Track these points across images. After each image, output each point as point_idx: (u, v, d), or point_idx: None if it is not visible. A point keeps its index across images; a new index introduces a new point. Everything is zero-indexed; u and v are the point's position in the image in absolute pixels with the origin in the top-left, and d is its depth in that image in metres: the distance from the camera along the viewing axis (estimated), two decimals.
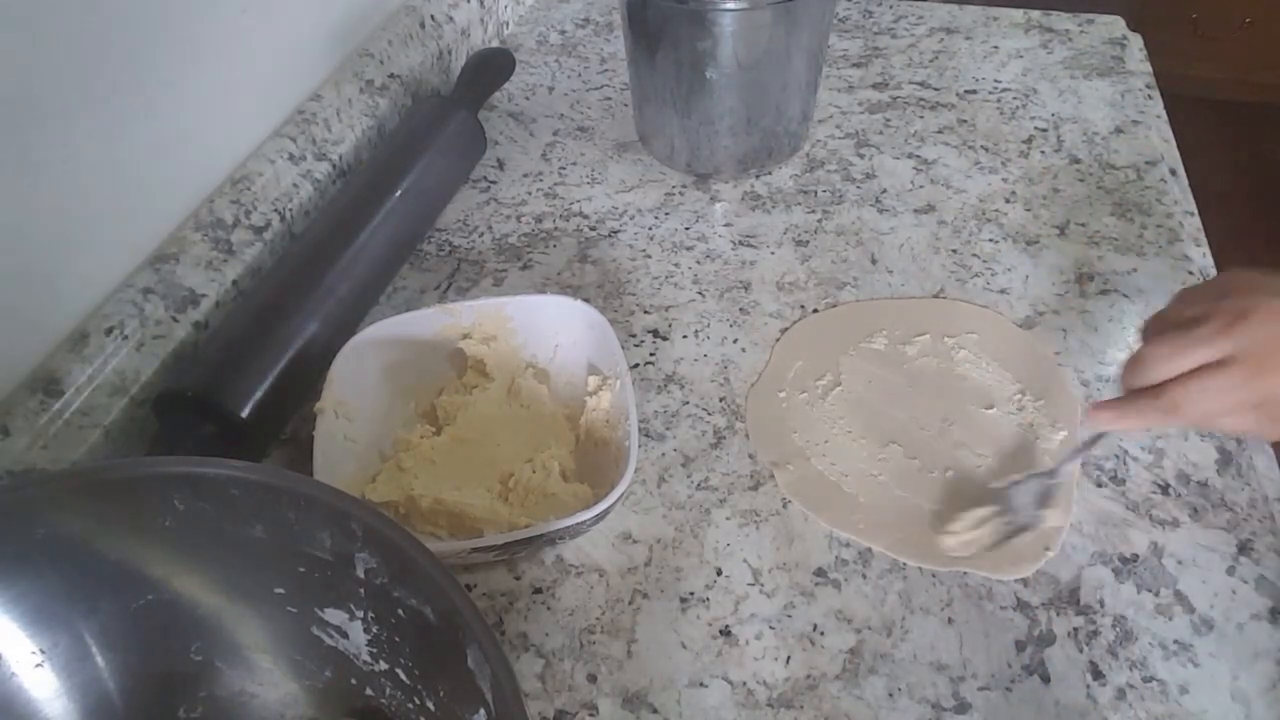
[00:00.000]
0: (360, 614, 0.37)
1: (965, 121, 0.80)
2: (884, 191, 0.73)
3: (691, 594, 0.49)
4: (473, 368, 0.56)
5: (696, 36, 0.64)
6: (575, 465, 0.53)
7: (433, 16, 0.83)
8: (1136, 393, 0.41)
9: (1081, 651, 0.45)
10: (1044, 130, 0.78)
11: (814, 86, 0.73)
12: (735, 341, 0.62)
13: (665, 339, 0.62)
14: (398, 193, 0.65)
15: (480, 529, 0.48)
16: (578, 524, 0.45)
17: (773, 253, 0.69)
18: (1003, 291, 0.64)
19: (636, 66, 0.71)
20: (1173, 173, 0.73)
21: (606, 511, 0.45)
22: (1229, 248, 0.78)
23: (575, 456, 0.54)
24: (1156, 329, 0.42)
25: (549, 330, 0.57)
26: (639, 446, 0.49)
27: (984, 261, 0.66)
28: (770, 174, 0.74)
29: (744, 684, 0.45)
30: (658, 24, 0.66)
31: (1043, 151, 0.76)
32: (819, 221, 0.71)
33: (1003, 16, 0.93)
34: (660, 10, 0.65)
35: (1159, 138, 0.76)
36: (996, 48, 0.89)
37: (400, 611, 0.35)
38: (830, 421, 0.56)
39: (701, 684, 0.45)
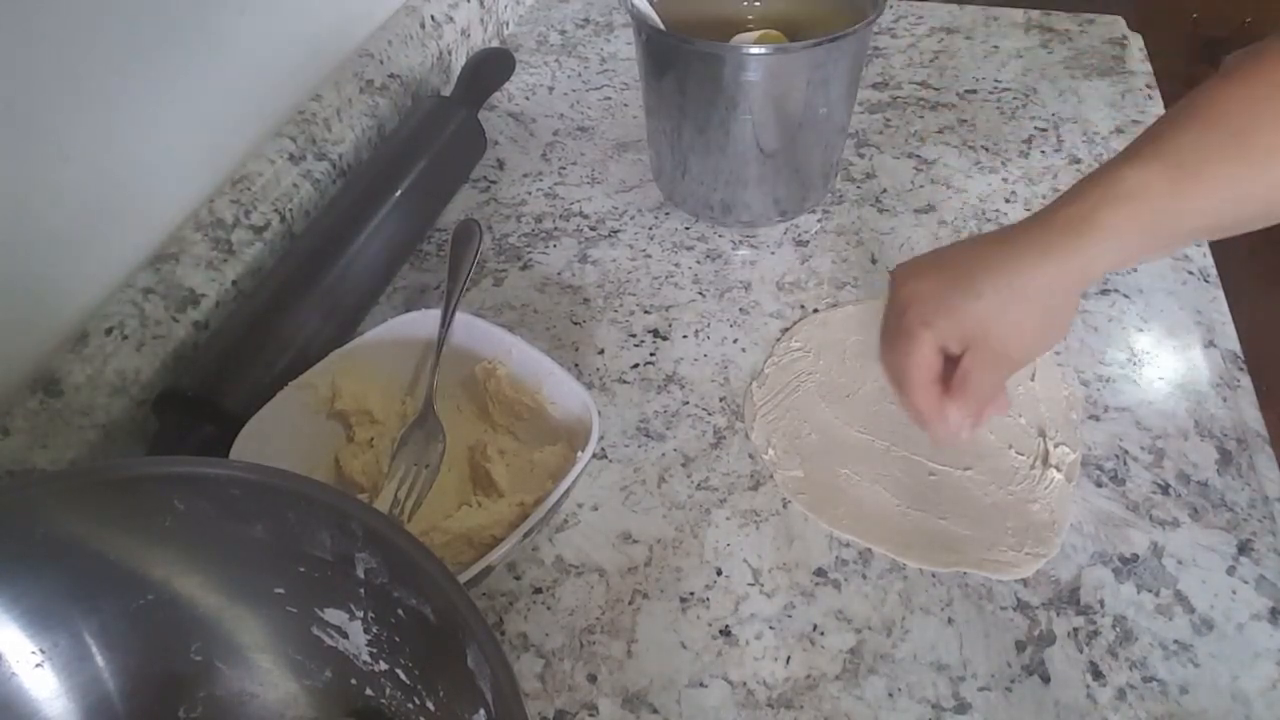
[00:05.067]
0: (360, 614, 0.37)
1: (965, 121, 0.80)
2: (884, 191, 0.73)
3: (691, 594, 0.49)
4: (357, 424, 0.54)
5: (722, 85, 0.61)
6: (525, 436, 0.54)
7: (433, 16, 0.83)
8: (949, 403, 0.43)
9: (1081, 651, 0.45)
10: (1044, 130, 0.78)
11: (845, 133, 0.70)
12: (735, 341, 0.62)
13: (665, 339, 0.62)
14: (398, 193, 0.65)
15: (493, 533, 0.48)
16: (584, 466, 0.46)
17: (773, 253, 0.69)
18: None
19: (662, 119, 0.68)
20: None
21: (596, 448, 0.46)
22: (1229, 247, 0.78)
23: (517, 431, 0.55)
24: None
25: (413, 350, 0.56)
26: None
27: None
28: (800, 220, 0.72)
29: (744, 684, 0.45)
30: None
31: (1043, 151, 0.76)
32: (819, 221, 0.71)
33: (1003, 16, 0.93)
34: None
35: None
36: (996, 48, 0.89)
37: (400, 611, 0.35)
38: (830, 421, 0.56)
39: (701, 684, 0.45)
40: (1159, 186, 0.37)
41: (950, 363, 0.42)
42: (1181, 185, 0.37)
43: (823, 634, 0.47)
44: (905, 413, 0.44)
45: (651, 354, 0.61)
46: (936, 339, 0.41)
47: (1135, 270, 0.65)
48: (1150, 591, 0.47)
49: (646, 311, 0.64)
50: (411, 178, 0.66)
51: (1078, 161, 0.74)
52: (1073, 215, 0.38)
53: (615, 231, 0.71)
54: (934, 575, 0.49)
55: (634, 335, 0.63)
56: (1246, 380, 0.57)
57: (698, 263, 0.68)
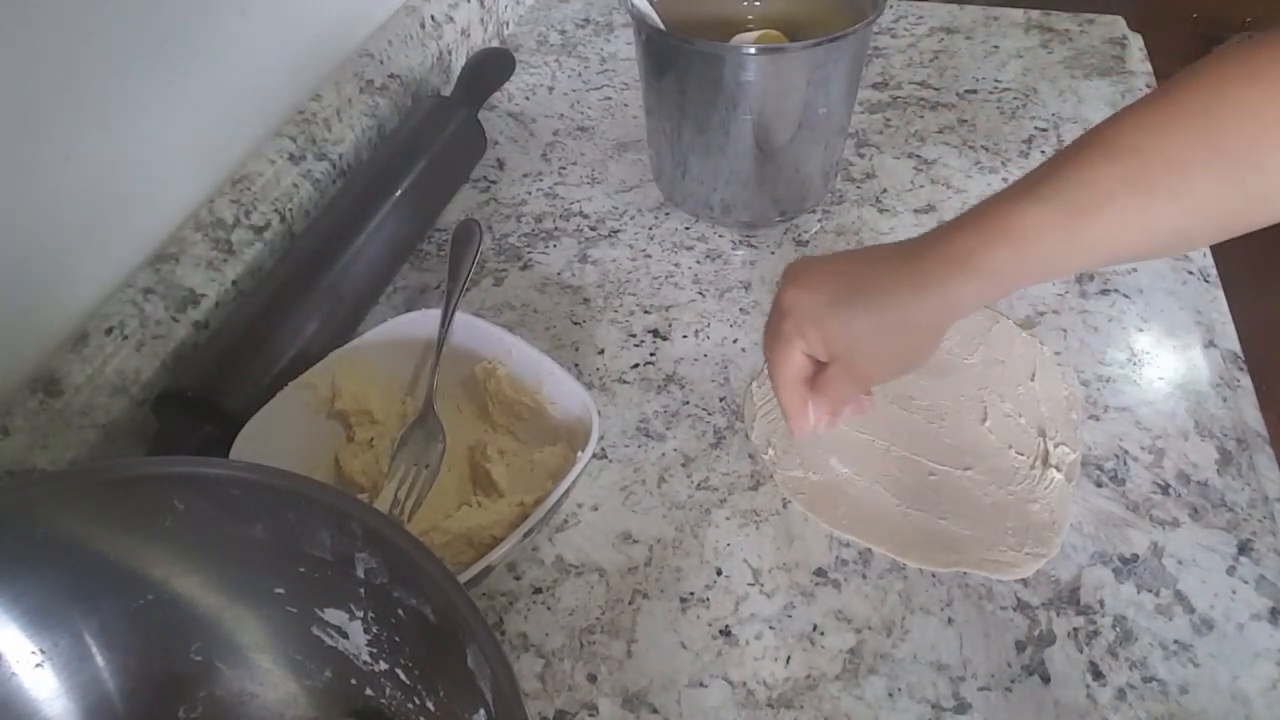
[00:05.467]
0: (360, 614, 0.37)
1: (965, 121, 0.80)
2: (884, 191, 0.73)
3: (691, 594, 0.49)
4: (357, 424, 0.54)
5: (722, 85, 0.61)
6: (525, 436, 0.54)
7: (433, 16, 0.83)
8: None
9: (1081, 651, 0.45)
10: (1044, 130, 0.78)
11: (844, 133, 0.70)
12: (735, 341, 0.62)
13: (665, 339, 0.62)
14: (398, 193, 0.65)
15: (493, 533, 0.48)
16: (584, 466, 0.46)
17: (773, 252, 0.69)
18: None
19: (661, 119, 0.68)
20: None
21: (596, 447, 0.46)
22: (1229, 248, 0.77)
23: (517, 431, 0.55)
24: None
25: (413, 351, 0.56)
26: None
27: None
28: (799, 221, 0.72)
29: (744, 684, 0.45)
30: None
31: (1043, 151, 0.76)
32: (819, 221, 0.71)
33: (1003, 16, 0.93)
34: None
35: None
36: (996, 48, 0.89)
37: (400, 611, 0.35)
38: None
39: (701, 684, 0.45)
40: (1052, 227, 0.36)
41: (819, 364, 0.44)
42: (1076, 225, 0.36)
43: (823, 634, 0.47)
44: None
45: (651, 354, 0.61)
46: (806, 348, 0.43)
47: (1135, 270, 0.65)
48: (1150, 591, 0.47)
49: (646, 311, 0.64)
50: (411, 178, 0.66)
51: None
52: (955, 252, 0.38)
53: (615, 231, 0.71)
54: (934, 575, 0.49)
55: (634, 335, 0.63)
56: (1246, 380, 0.57)
57: (698, 263, 0.68)
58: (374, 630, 0.37)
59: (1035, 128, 0.78)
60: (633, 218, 0.72)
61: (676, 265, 0.68)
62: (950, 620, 0.47)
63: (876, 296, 0.40)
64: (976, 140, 0.77)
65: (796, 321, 0.43)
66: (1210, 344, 0.59)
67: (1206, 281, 0.64)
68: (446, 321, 0.55)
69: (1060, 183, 0.36)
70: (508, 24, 0.96)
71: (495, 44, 0.94)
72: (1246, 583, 0.47)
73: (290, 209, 0.66)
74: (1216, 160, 0.34)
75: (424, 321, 0.55)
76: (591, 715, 0.44)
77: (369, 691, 0.39)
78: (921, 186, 0.73)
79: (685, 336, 0.62)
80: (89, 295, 0.54)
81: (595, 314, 0.64)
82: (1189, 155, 0.34)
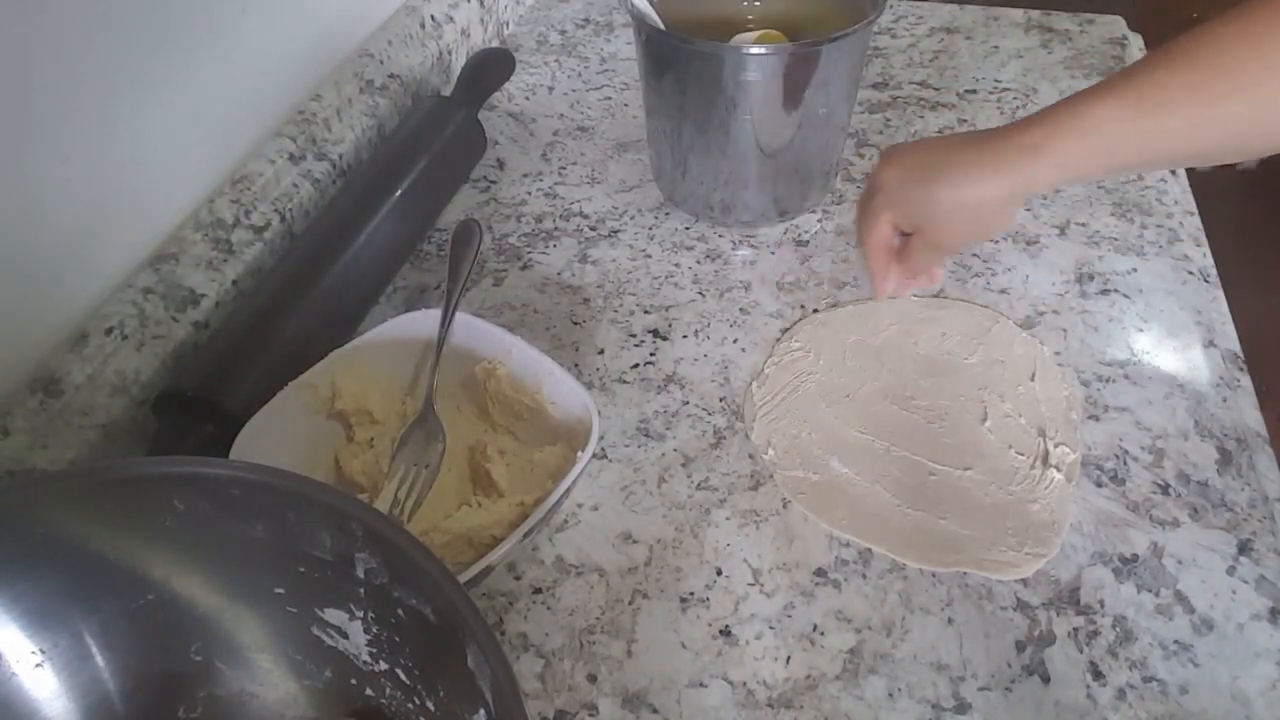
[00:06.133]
0: (360, 614, 0.37)
1: (965, 121, 0.80)
2: None
3: (691, 594, 0.49)
4: (357, 424, 0.54)
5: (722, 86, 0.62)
6: (525, 436, 0.54)
7: (433, 16, 0.83)
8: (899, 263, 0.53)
9: (1081, 651, 0.45)
10: None
11: (845, 133, 0.70)
12: (735, 341, 0.62)
13: (665, 339, 0.62)
14: (398, 193, 0.65)
15: (493, 533, 0.48)
16: (584, 466, 0.47)
17: (773, 253, 0.69)
18: (1003, 291, 0.64)
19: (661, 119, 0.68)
20: (1173, 172, 0.74)
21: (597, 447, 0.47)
22: (1229, 248, 0.78)
23: (517, 431, 0.55)
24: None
25: (413, 351, 0.56)
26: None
27: (984, 261, 0.66)
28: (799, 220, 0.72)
29: (744, 684, 0.45)
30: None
31: None
32: (819, 221, 0.71)
33: (1003, 16, 0.93)
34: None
35: None
36: (996, 48, 0.89)
37: (400, 611, 0.35)
38: (830, 421, 0.56)
39: (701, 684, 0.45)
40: (1119, 121, 0.41)
41: (904, 236, 0.51)
42: (1141, 119, 0.41)
43: (823, 634, 0.47)
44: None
45: (651, 354, 0.61)
46: (892, 220, 0.50)
47: (1135, 270, 0.65)
48: (1150, 591, 0.47)
49: (646, 311, 0.64)
50: (411, 178, 0.66)
51: None
52: (1029, 141, 0.44)
53: (615, 231, 0.71)
54: (934, 575, 0.49)
55: (634, 335, 0.63)
56: (1246, 380, 0.57)
57: (698, 263, 0.68)
58: (374, 630, 0.37)
59: None
60: (633, 218, 0.72)
61: (676, 265, 0.68)
62: (950, 620, 0.47)
63: (957, 175, 0.46)
64: None
65: (887, 194, 0.49)
66: (1210, 344, 0.59)
67: (1206, 281, 0.64)
68: (446, 321, 0.55)
69: (1130, 83, 0.41)
70: (508, 24, 0.96)
71: (495, 44, 0.94)
72: (1246, 583, 0.47)
73: (290, 209, 0.66)
74: (1262, 79, 0.39)
75: (424, 321, 0.55)
76: (591, 715, 0.44)
77: (369, 691, 0.39)
78: None
79: (685, 336, 0.62)
80: (89, 295, 0.54)
81: (595, 314, 0.64)
82: (1247, 68, 0.39)
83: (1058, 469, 0.52)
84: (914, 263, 0.51)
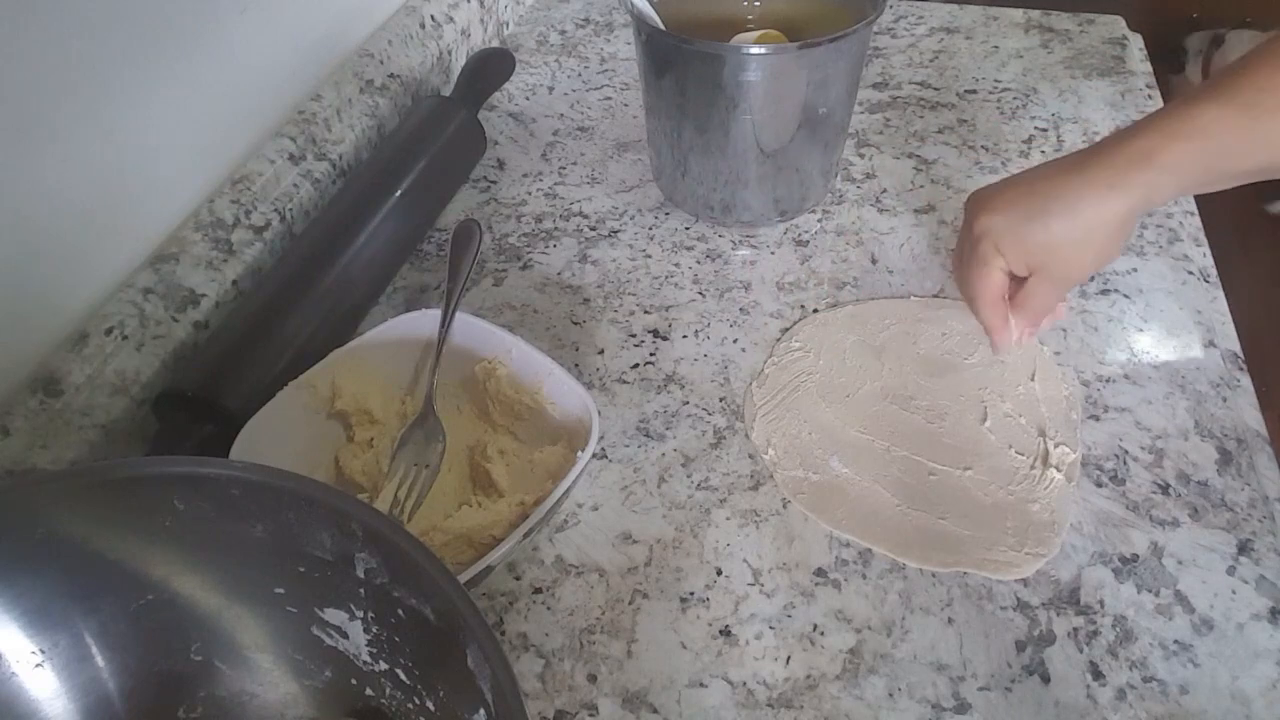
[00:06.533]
0: (360, 614, 0.37)
1: (965, 121, 0.80)
2: (884, 191, 0.73)
3: (691, 594, 0.49)
4: (357, 424, 0.54)
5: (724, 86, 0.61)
6: (525, 436, 0.54)
7: (433, 16, 0.83)
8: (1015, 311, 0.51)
9: (1081, 651, 0.45)
10: (1044, 130, 0.78)
11: (844, 134, 0.70)
12: (735, 341, 0.62)
13: (665, 339, 0.62)
14: (398, 193, 0.65)
15: (493, 533, 0.48)
16: (584, 466, 0.46)
17: (773, 252, 0.69)
18: None
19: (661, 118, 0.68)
20: None
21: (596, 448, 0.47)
22: (1229, 248, 0.78)
23: (517, 431, 0.55)
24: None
25: (413, 351, 0.56)
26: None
27: None
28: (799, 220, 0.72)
29: (744, 684, 0.45)
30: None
31: (1043, 151, 0.76)
32: (819, 221, 0.71)
33: (1003, 16, 0.93)
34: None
35: None
36: (996, 48, 0.89)
37: (400, 611, 0.35)
38: (830, 421, 0.56)
39: (701, 684, 0.45)
40: (1228, 124, 0.39)
41: (1015, 280, 0.48)
42: (1252, 123, 0.39)
43: (823, 634, 0.47)
44: (978, 323, 0.52)
45: (651, 354, 0.61)
46: (1005, 265, 0.47)
47: (1135, 270, 0.65)
48: (1150, 591, 0.47)
49: (646, 311, 0.64)
50: (411, 178, 0.66)
51: None
52: (1139, 150, 0.42)
53: (615, 231, 0.71)
54: (934, 575, 0.49)
55: (634, 335, 0.63)
56: (1246, 380, 0.57)
57: (698, 263, 0.68)
58: (374, 630, 0.37)
59: (1035, 128, 0.78)
60: (633, 218, 0.72)
61: (676, 265, 0.68)
62: (950, 620, 0.47)
63: (1071, 202, 0.44)
64: (976, 140, 0.77)
65: (994, 242, 0.47)
66: (1210, 344, 0.59)
67: (1206, 281, 0.64)
68: (446, 321, 0.55)
69: (1238, 87, 0.40)
70: (508, 24, 0.96)
71: (495, 44, 0.94)
72: (1246, 583, 0.47)
73: (290, 209, 0.66)
74: None
75: (424, 321, 0.55)
76: (591, 715, 0.44)
77: (369, 691, 0.39)
78: (921, 186, 0.73)
79: (685, 336, 0.62)
80: (89, 295, 0.54)
81: (595, 314, 0.64)
82: None
83: (1058, 469, 0.52)
84: (1035, 305, 0.49)
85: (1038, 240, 0.45)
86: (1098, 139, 0.76)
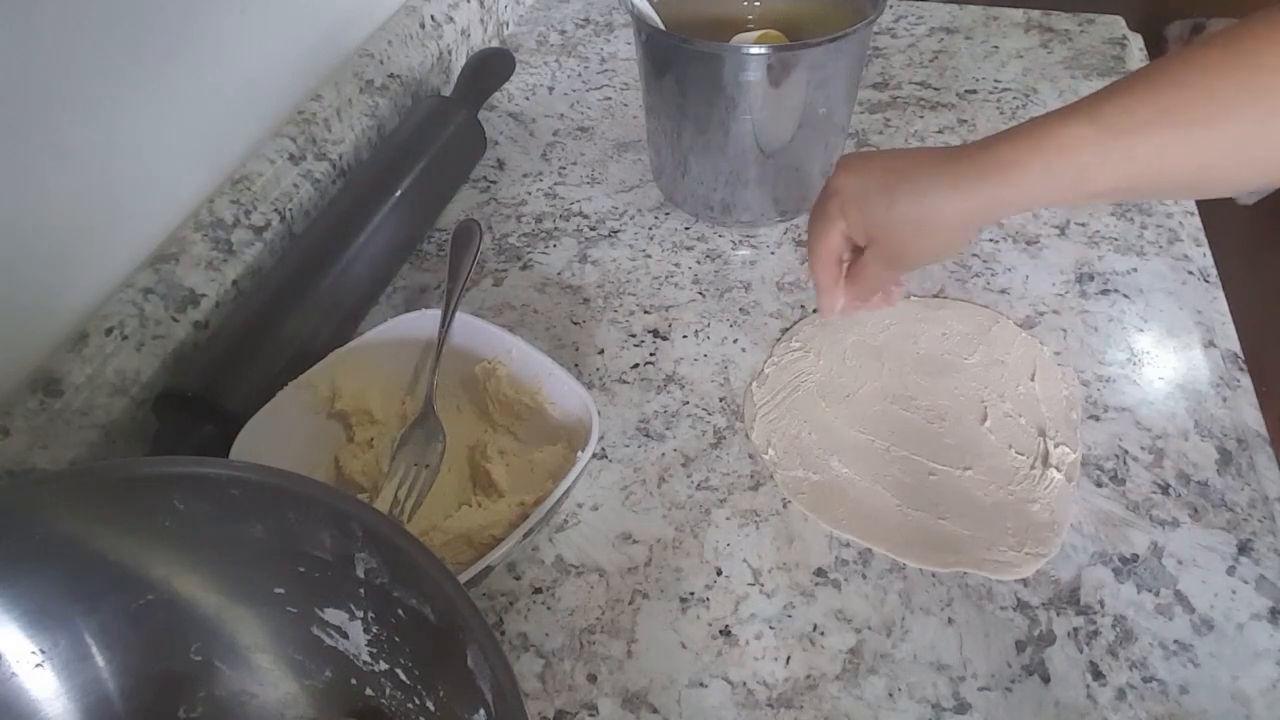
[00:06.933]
0: (360, 614, 0.37)
1: (965, 121, 0.80)
2: None
3: (691, 594, 0.49)
4: (357, 424, 0.54)
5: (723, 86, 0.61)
6: (525, 436, 0.54)
7: (433, 16, 0.83)
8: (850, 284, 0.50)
9: (1081, 651, 0.45)
10: None
11: (844, 133, 0.70)
12: (735, 341, 0.62)
13: (665, 339, 0.62)
14: (398, 193, 0.65)
15: (493, 533, 0.48)
16: (584, 466, 0.46)
17: (773, 252, 0.69)
18: (1003, 291, 0.64)
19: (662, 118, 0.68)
20: None
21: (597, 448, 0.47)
22: (1229, 248, 0.78)
23: (517, 431, 0.55)
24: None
25: (413, 351, 0.56)
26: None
27: (984, 261, 0.66)
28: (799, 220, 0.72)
29: (744, 684, 0.45)
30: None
31: None
32: None
33: (1003, 16, 0.93)
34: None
35: None
36: (996, 48, 0.89)
37: (400, 611, 0.35)
38: (830, 421, 0.56)
39: (701, 684, 0.45)
40: (1088, 143, 0.38)
41: (858, 250, 0.48)
42: (1111, 143, 0.38)
43: (823, 634, 0.47)
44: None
45: (651, 354, 0.61)
46: (847, 229, 0.47)
47: (1135, 270, 0.65)
48: (1150, 591, 0.47)
49: (646, 311, 0.64)
50: (411, 178, 0.66)
51: None
52: (993, 160, 0.41)
53: (615, 231, 0.71)
54: (934, 575, 0.49)
55: (634, 335, 0.63)
56: (1246, 380, 0.57)
57: (698, 263, 0.68)
58: (374, 630, 0.37)
59: None
60: (633, 218, 0.72)
61: (676, 265, 0.68)
62: (950, 620, 0.47)
63: (917, 188, 0.43)
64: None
65: (841, 202, 0.47)
66: (1210, 344, 0.59)
67: (1206, 281, 0.64)
68: (446, 321, 0.55)
69: (1104, 106, 0.39)
70: (508, 24, 0.96)
71: (495, 44, 0.94)
72: (1246, 583, 0.47)
73: (290, 209, 0.66)
74: (1256, 100, 0.36)
75: (424, 321, 0.55)
76: (591, 715, 0.44)
77: (369, 691, 0.39)
78: None
79: (685, 336, 0.62)
80: (89, 295, 0.54)
81: (595, 314, 0.64)
82: (1231, 93, 0.36)
83: (1058, 469, 0.52)
84: (866, 279, 0.48)
85: (879, 214, 0.45)
86: None
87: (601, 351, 0.62)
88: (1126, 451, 0.54)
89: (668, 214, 0.72)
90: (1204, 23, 1.62)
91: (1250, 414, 0.55)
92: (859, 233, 0.47)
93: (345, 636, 0.38)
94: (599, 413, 0.49)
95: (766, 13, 0.71)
